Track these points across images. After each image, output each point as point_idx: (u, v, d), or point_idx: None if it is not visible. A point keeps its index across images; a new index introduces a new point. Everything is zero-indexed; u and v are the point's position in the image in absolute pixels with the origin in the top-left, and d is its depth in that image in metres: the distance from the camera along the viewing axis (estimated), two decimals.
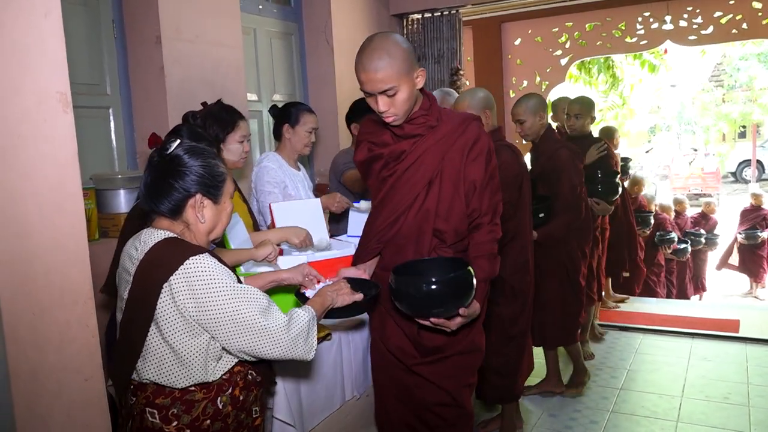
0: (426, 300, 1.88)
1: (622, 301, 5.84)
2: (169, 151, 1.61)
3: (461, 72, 5.12)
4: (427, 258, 2.09)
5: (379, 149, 2.14)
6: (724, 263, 8.67)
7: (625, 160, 5.41)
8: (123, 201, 2.87)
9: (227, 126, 2.52)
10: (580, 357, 3.89)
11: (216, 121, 2.51)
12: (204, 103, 2.58)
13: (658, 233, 7.03)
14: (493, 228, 2.11)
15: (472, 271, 1.93)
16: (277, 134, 3.13)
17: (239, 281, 1.64)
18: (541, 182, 3.56)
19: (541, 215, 3.41)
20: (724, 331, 4.88)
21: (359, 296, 1.88)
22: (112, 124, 3.21)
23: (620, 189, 4.36)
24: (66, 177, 1.69)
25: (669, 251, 7.15)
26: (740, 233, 8.41)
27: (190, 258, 1.54)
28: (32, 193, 1.60)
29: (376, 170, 2.16)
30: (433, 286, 1.86)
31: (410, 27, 5.24)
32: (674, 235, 7.15)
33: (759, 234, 8.24)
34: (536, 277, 3.43)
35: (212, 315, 1.53)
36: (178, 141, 1.63)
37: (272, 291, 2.10)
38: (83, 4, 3.03)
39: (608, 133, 5.12)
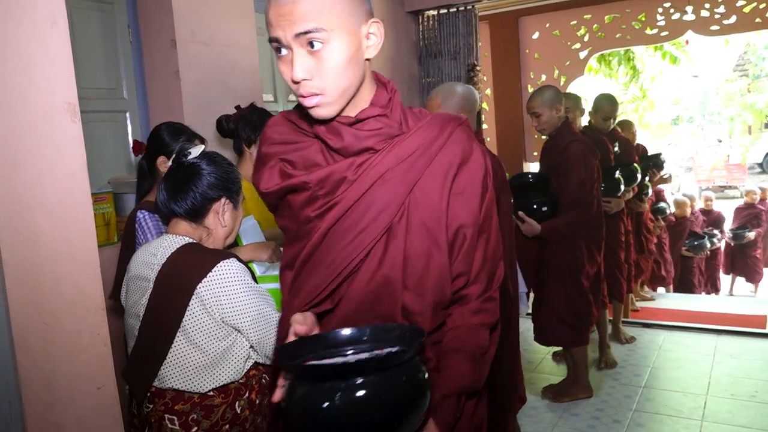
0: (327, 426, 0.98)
1: (650, 299, 5.70)
2: (188, 159, 1.67)
3: (478, 68, 5.08)
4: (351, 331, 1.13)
5: (301, 174, 1.25)
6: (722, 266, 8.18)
7: (656, 156, 5.23)
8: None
9: (258, 128, 2.56)
10: (585, 368, 3.69)
11: (247, 123, 2.56)
12: (238, 107, 2.62)
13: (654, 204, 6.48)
14: (486, 305, 1.28)
15: (422, 367, 1.06)
16: None
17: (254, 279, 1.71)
18: (553, 177, 3.47)
19: (545, 209, 3.35)
20: (750, 328, 4.79)
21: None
22: (129, 128, 3.23)
23: (622, 186, 4.15)
24: (75, 187, 1.69)
25: (661, 223, 6.33)
26: (728, 232, 8.06)
27: (222, 262, 1.59)
28: (41, 204, 1.60)
29: (296, 207, 1.28)
30: (360, 392, 0.97)
31: (426, 23, 5.21)
32: (664, 205, 6.37)
33: (746, 233, 7.82)
34: (541, 274, 3.43)
35: (247, 314, 1.59)
36: (201, 148, 1.70)
37: None
38: (99, 9, 3.05)
39: (623, 126, 4.99)
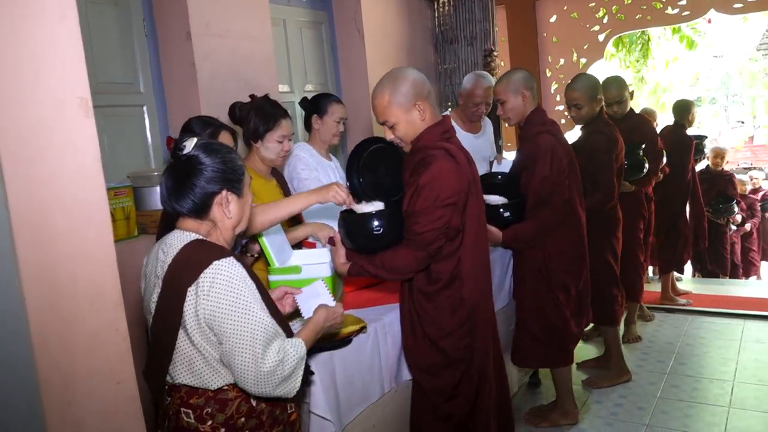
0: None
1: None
2: (184, 152, 1.61)
3: (495, 53, 5.02)
4: None
5: None
6: None
7: (700, 138, 5.06)
8: (160, 197, 2.90)
9: (269, 121, 2.51)
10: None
11: (258, 114, 2.51)
12: (252, 96, 2.57)
13: None
14: None
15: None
16: (308, 126, 3.14)
17: (261, 289, 1.62)
18: (523, 173, 3.00)
19: (507, 214, 2.92)
20: None
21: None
22: (146, 121, 3.24)
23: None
24: (90, 182, 1.68)
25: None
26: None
27: (215, 262, 1.53)
28: (57, 201, 1.59)
29: None
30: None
31: (441, 9, 5.16)
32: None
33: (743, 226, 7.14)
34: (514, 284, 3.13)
35: (221, 323, 1.51)
36: (194, 140, 1.62)
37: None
38: (114, 3, 3.05)
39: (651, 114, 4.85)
